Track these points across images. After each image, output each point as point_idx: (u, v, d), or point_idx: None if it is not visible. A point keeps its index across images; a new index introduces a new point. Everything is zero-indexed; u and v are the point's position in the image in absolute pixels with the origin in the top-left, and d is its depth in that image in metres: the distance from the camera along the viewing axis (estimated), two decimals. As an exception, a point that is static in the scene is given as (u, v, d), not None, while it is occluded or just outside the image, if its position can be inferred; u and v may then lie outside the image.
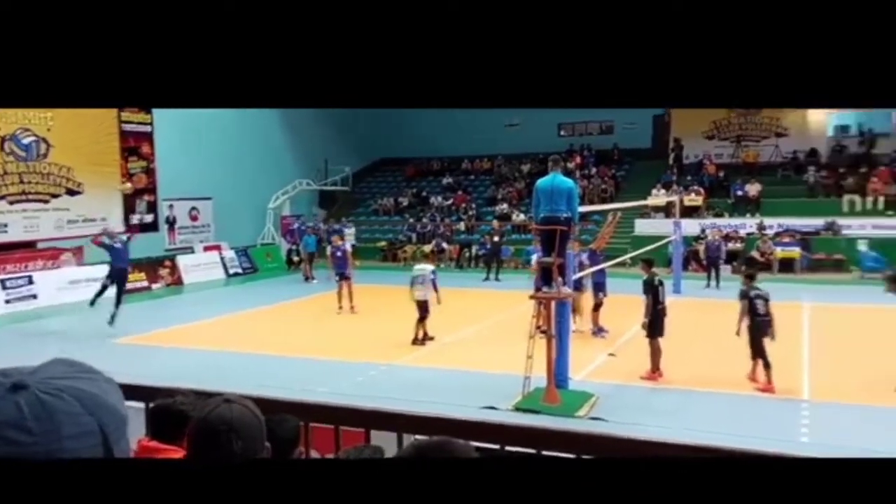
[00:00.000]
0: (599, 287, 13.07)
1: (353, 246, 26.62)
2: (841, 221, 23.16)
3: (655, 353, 10.08)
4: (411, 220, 29.55)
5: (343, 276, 15.72)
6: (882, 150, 26.45)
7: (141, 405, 3.06)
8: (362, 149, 34.49)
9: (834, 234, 22.94)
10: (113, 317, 13.74)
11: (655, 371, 10.08)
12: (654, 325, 10.05)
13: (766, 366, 9.46)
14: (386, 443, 3.06)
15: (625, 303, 13.23)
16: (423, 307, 12.48)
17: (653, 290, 10.05)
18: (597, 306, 13.12)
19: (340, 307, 15.73)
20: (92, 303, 13.98)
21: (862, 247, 21.73)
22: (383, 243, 28.32)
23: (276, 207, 28.01)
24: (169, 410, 2.67)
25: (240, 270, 24.02)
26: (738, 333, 9.60)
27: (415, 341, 12.46)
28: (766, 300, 9.57)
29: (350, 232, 27.35)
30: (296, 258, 24.99)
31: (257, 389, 3.84)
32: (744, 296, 9.67)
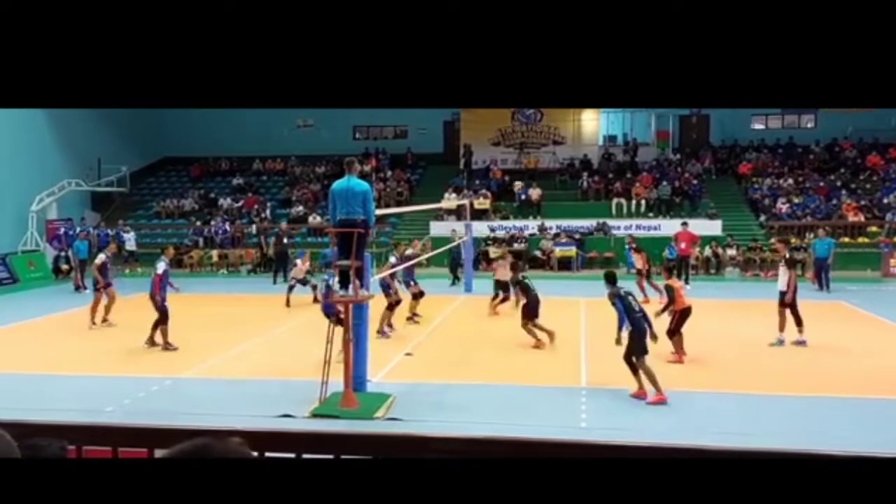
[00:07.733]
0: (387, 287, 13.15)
1: (131, 252, 24.70)
2: (610, 223, 25.60)
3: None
4: (198, 224, 28.03)
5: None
6: (643, 158, 29.59)
7: None
8: (141, 147, 32.12)
9: (605, 235, 25.25)
10: None
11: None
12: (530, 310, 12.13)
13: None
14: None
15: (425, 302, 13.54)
16: None
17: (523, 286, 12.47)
18: (390, 306, 13.22)
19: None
20: None
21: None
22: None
23: (40, 210, 25.21)
24: None
25: (-6, 281, 21.28)
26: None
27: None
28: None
29: (129, 237, 25.34)
30: (64, 266, 22.66)
31: (17, 413, 3.46)
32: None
